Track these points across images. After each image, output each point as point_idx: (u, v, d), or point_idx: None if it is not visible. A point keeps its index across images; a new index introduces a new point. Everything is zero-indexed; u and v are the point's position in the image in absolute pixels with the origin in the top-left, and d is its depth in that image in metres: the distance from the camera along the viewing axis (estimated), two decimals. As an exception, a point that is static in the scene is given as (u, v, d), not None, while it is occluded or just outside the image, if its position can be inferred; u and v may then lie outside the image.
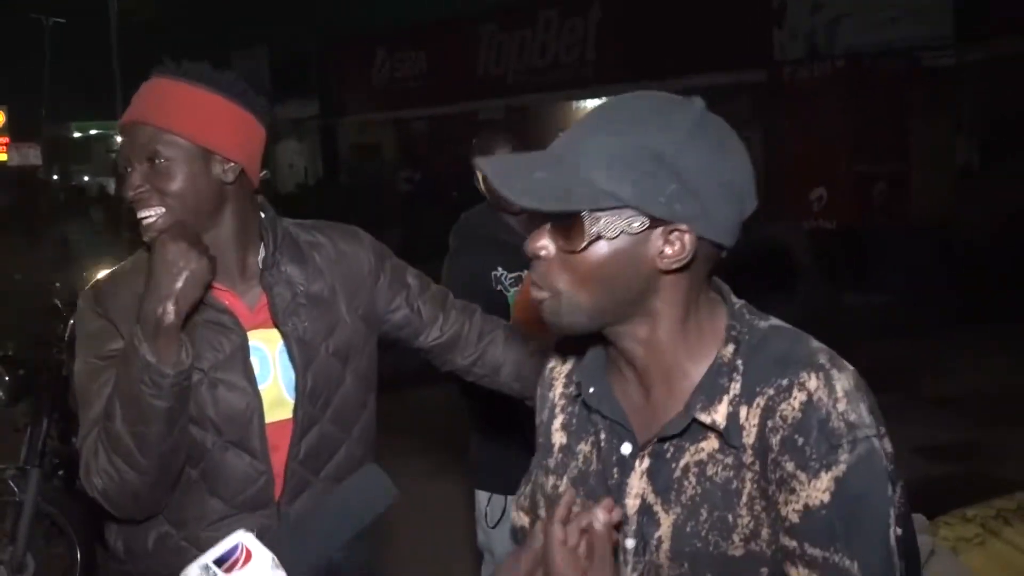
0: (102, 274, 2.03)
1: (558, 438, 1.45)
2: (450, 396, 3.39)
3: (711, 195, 1.23)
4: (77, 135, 44.34)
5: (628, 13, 15.69)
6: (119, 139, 2.04)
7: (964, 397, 7.33)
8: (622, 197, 1.21)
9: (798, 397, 1.22)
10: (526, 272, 3.19)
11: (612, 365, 1.37)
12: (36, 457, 3.96)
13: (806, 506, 1.20)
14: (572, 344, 1.45)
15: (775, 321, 1.33)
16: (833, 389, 1.22)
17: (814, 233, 12.43)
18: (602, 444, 1.35)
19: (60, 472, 4.12)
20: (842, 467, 1.20)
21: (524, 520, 1.59)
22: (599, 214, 1.21)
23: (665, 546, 1.28)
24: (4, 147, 36.57)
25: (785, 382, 1.23)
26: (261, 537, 1.17)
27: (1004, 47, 11.12)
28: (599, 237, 1.22)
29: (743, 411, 1.25)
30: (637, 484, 1.31)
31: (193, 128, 1.85)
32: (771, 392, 1.24)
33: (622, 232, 1.22)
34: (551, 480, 1.43)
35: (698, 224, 1.23)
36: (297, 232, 2.02)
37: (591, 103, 17.39)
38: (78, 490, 4.08)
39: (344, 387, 1.99)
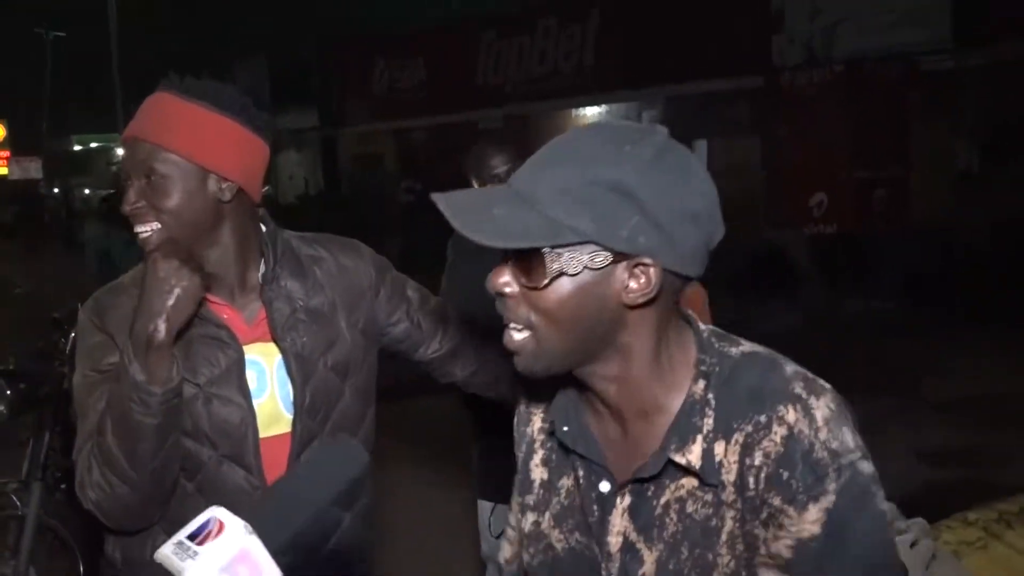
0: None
1: (538, 474, 1.43)
2: (453, 406, 3.39)
3: (675, 225, 1.20)
4: (78, 148, 44.42)
5: (626, 20, 15.70)
6: (119, 152, 2.06)
7: (966, 401, 7.32)
8: (583, 232, 1.18)
9: (778, 432, 1.20)
10: None
11: (586, 402, 1.34)
12: (38, 471, 3.96)
13: (798, 540, 1.19)
14: (542, 380, 1.40)
15: (747, 346, 1.31)
16: (813, 419, 1.20)
17: (815, 239, 12.43)
18: (581, 481, 1.34)
19: (63, 486, 4.11)
20: (831, 497, 1.18)
21: (508, 552, 1.57)
22: (560, 250, 1.19)
23: None
24: (5, 161, 36.66)
25: (763, 418, 1.21)
26: (236, 509, 1.17)
27: (1004, 51, 11.12)
28: (561, 273, 1.20)
29: (718, 447, 1.23)
30: (619, 522, 1.29)
31: (191, 147, 1.85)
32: (749, 429, 1.22)
33: (584, 268, 1.20)
34: (531, 517, 1.42)
35: (663, 256, 1.20)
36: (298, 245, 2.03)
37: (590, 111, 17.42)
38: (80, 504, 4.12)
39: (343, 401, 1.99)
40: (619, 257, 1.20)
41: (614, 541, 1.29)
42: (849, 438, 1.21)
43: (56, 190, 38.00)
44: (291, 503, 1.24)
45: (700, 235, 1.22)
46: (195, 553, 1.10)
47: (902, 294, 10.49)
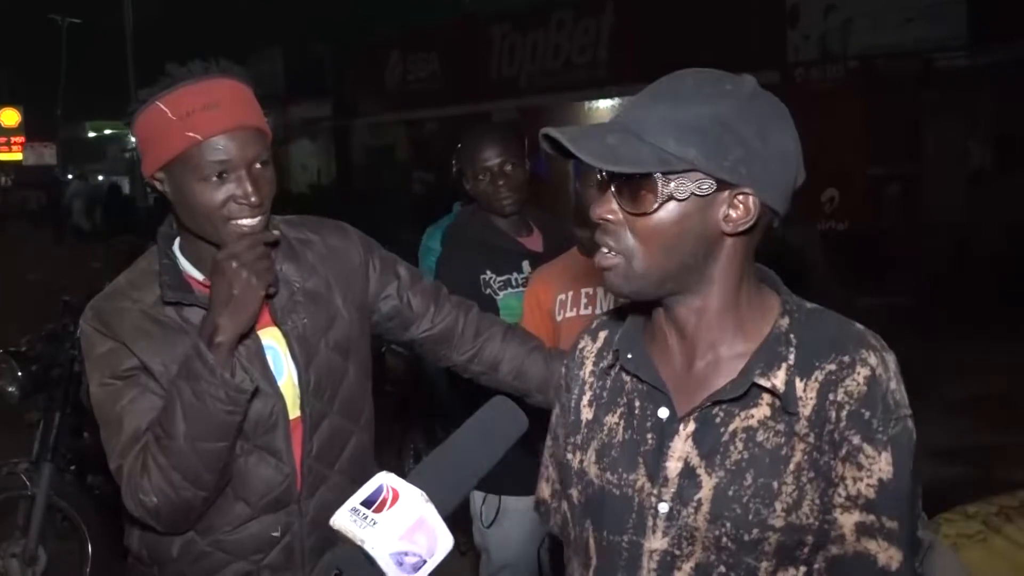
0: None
1: (585, 414, 1.48)
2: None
3: (772, 161, 1.29)
4: (92, 135, 44.54)
5: (641, 14, 15.67)
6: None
7: (977, 400, 7.30)
8: (690, 160, 1.25)
9: (862, 372, 1.29)
10: (515, 275, 3.17)
11: (656, 335, 1.41)
12: (48, 451, 4.00)
13: (880, 481, 1.27)
14: (606, 321, 1.52)
15: (816, 305, 1.41)
16: (888, 367, 1.31)
17: (826, 235, 12.40)
18: (635, 411, 1.39)
19: (72, 467, 4.16)
20: (902, 441, 1.28)
21: (546, 492, 1.62)
22: (671, 176, 1.26)
23: (704, 508, 1.31)
24: (20, 146, 36.79)
25: (847, 359, 1.30)
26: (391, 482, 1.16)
27: (1019, 48, 11.06)
28: (670, 198, 1.27)
29: (799, 382, 1.30)
30: (681, 447, 1.34)
31: (267, 131, 1.89)
32: (832, 367, 1.30)
33: (691, 194, 1.27)
34: (578, 456, 1.46)
35: (760, 188, 1.29)
36: (286, 230, 2.02)
37: (604, 104, 17.38)
38: (90, 485, 4.17)
39: (348, 379, 2.00)
40: (722, 186, 1.28)
41: (673, 466, 1.34)
42: (905, 395, 1.32)
43: (70, 176, 38.10)
44: (463, 468, 1.24)
45: (790, 174, 1.33)
46: (373, 521, 1.10)
47: (913, 291, 10.45)
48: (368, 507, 1.11)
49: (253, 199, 1.80)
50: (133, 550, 2.00)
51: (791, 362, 1.31)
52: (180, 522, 1.85)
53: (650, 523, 1.34)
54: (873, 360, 1.30)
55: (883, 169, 12.32)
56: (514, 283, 3.16)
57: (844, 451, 1.28)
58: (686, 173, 1.26)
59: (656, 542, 1.33)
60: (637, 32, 15.67)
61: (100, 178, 37.87)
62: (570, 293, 2.86)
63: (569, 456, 1.49)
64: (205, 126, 1.78)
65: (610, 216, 1.31)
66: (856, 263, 11.61)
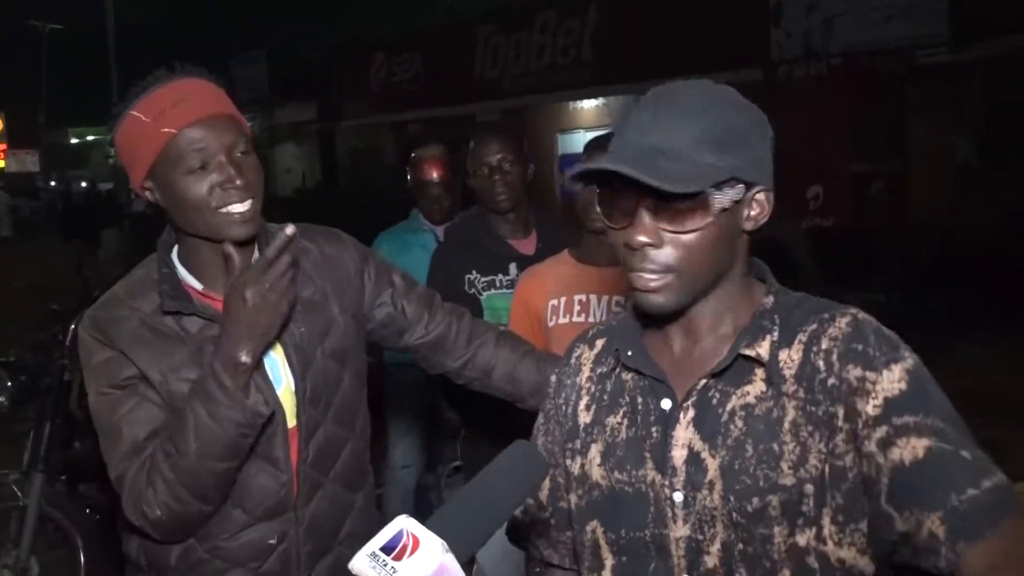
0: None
1: (583, 418, 1.50)
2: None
3: (769, 157, 1.37)
4: (74, 141, 44.39)
5: (625, 14, 15.69)
6: None
7: (964, 395, 7.28)
8: (728, 170, 1.30)
9: (842, 320, 1.34)
10: (500, 276, 3.19)
11: (653, 329, 1.45)
12: (39, 462, 3.98)
13: (886, 399, 1.27)
14: (603, 330, 1.56)
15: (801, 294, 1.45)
16: (870, 318, 1.35)
17: (811, 231, 12.44)
18: (638, 408, 1.42)
19: (63, 476, 4.14)
20: (910, 361, 1.29)
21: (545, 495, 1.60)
22: (719, 189, 1.31)
23: (718, 487, 1.34)
24: (2, 154, 36.70)
25: (827, 315, 1.35)
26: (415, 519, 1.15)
27: (1001, 44, 11.12)
28: (722, 210, 1.32)
29: (782, 353, 1.34)
30: (683, 435, 1.37)
31: (243, 120, 1.90)
32: (813, 327, 1.35)
33: (732, 202, 1.33)
34: (578, 461, 1.49)
35: (768, 184, 1.37)
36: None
37: (588, 104, 17.40)
38: (81, 494, 4.15)
39: (343, 387, 2.01)
40: (748, 188, 1.35)
41: (678, 455, 1.37)
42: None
43: (52, 183, 37.98)
44: (483, 514, 1.22)
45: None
46: (393, 569, 1.09)
47: (899, 288, 10.49)
48: (387, 553, 1.10)
49: (238, 182, 1.81)
50: (131, 557, 2.00)
51: (775, 337, 1.36)
52: (180, 533, 1.86)
53: (669, 514, 1.37)
54: (854, 310, 1.35)
55: (867, 166, 12.36)
56: (498, 284, 3.19)
57: (845, 389, 1.29)
58: (729, 182, 1.31)
59: (679, 530, 1.37)
60: (621, 32, 15.69)
61: (83, 184, 37.73)
62: (563, 299, 2.86)
63: (568, 462, 1.51)
64: (177, 120, 1.80)
65: (652, 240, 1.32)
66: (841, 259, 11.65)
